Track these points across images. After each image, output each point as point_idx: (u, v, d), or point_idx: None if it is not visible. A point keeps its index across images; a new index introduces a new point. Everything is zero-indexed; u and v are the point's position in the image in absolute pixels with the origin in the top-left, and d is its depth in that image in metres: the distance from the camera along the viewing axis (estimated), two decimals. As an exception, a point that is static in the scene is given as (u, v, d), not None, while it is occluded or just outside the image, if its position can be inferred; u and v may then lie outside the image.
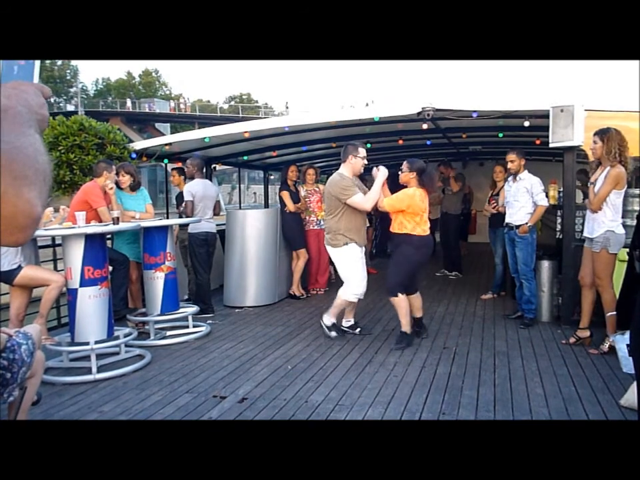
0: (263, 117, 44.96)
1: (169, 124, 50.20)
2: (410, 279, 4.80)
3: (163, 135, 44.37)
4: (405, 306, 4.70)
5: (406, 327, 4.71)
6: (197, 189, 5.85)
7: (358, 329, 5.17)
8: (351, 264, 4.80)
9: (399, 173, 4.81)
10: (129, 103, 48.37)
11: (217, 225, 6.18)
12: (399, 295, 4.65)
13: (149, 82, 58.23)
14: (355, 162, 4.74)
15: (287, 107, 49.39)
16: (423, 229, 4.68)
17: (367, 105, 41.00)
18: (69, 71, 50.89)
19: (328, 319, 5.00)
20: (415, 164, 4.73)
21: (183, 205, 5.88)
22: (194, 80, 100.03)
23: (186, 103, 50.70)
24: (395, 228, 4.74)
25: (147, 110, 46.98)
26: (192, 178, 6.01)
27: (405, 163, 4.78)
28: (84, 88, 57.08)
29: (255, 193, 34.82)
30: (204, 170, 6.24)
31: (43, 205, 0.64)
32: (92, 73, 73.50)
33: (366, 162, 4.84)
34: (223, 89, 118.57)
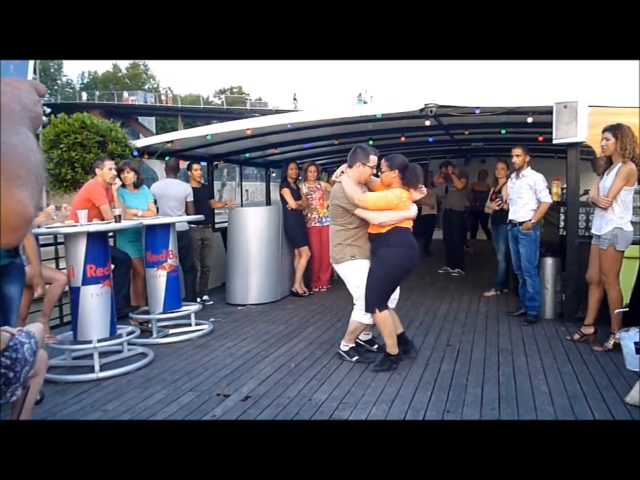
0: (249, 108, 43.76)
1: (153, 117, 47.98)
2: (391, 291, 4.15)
3: (147, 129, 43.06)
4: (389, 323, 4.05)
5: (392, 347, 4.08)
6: (155, 188, 6.17)
7: (375, 346, 4.46)
8: (362, 280, 4.08)
9: (378, 174, 4.21)
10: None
11: (218, 223, 6.15)
12: (377, 310, 4.00)
13: (136, 74, 56.59)
14: (362, 170, 4.06)
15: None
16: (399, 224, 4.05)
17: (360, 94, 40.34)
18: (52, 63, 49.58)
19: (344, 345, 4.33)
20: (395, 160, 4.11)
21: None
22: (189, 74, 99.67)
23: (167, 94, 46.74)
24: (372, 229, 4.09)
25: (130, 101, 43.65)
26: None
27: (383, 161, 4.13)
28: (69, 81, 56.30)
29: (247, 190, 34.82)
30: (176, 171, 6.33)
31: (35, 205, 0.64)
32: (78, 66, 70.46)
33: (375, 171, 4.18)
34: (216, 83, 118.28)
